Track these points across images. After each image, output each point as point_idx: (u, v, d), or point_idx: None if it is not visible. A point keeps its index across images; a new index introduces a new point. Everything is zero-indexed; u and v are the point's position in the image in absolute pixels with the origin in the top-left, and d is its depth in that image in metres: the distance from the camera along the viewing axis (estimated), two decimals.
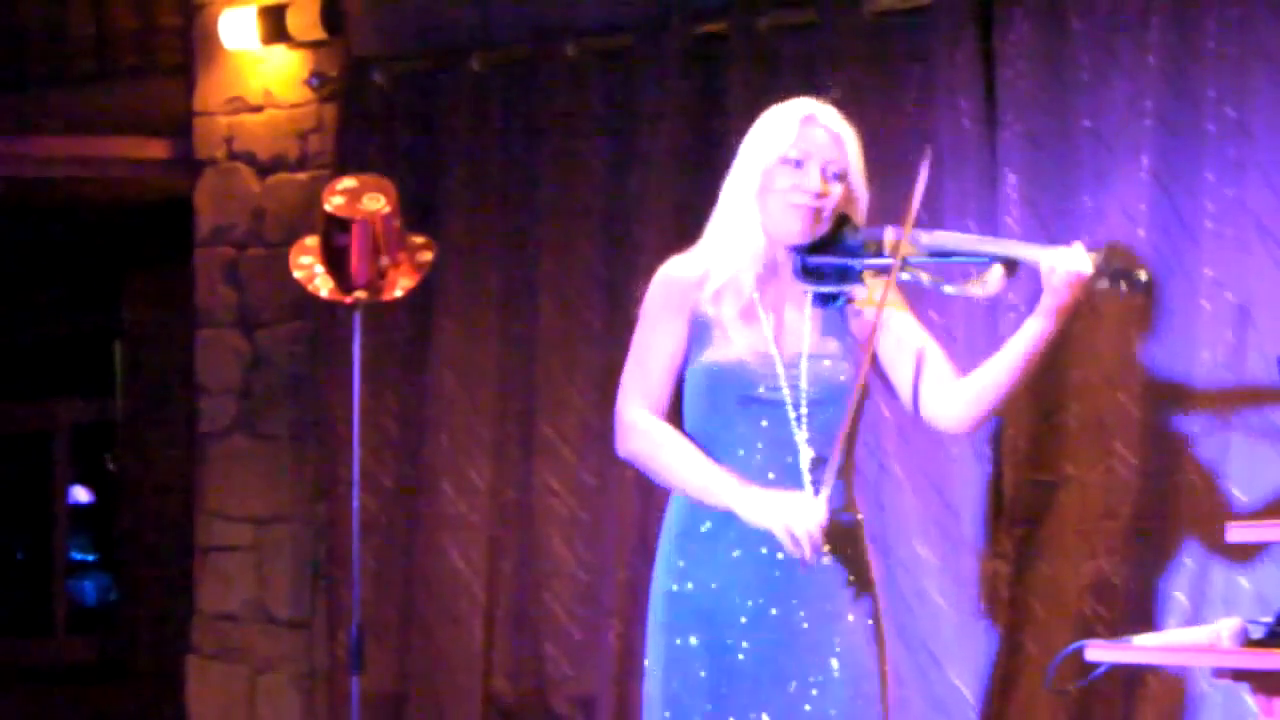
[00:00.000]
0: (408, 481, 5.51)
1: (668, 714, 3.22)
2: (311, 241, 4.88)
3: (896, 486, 4.68)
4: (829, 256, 3.25)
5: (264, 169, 6.02)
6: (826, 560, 3.21)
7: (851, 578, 3.23)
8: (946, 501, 4.63)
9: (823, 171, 3.24)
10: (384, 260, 4.76)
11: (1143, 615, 4.34)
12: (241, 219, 6.06)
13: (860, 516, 3.32)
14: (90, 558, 9.31)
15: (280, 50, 5.95)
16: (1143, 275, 3.11)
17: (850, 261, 3.25)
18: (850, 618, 3.22)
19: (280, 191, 5.99)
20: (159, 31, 6.49)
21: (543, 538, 5.27)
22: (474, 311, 5.42)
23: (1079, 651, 3.56)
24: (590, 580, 5.19)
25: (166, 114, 6.28)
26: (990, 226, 4.52)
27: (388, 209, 4.73)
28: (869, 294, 3.26)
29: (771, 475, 3.20)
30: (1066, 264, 3.10)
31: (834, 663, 3.19)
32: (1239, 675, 3.55)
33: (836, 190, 3.25)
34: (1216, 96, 4.34)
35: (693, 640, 3.21)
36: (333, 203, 4.75)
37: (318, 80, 5.86)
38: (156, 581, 7.72)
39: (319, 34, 5.82)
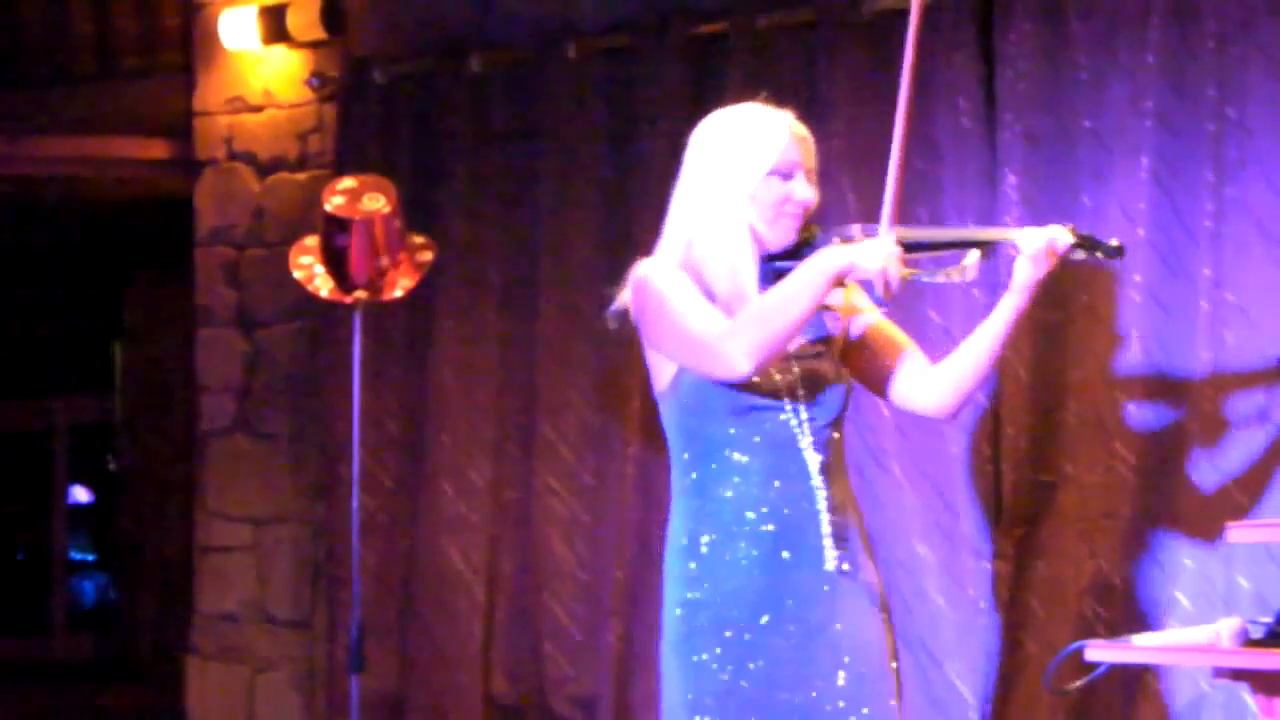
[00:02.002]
0: (408, 481, 5.51)
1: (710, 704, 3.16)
2: (311, 241, 4.88)
3: (896, 486, 4.68)
4: (795, 261, 3.24)
5: (264, 169, 6.02)
6: (831, 566, 3.20)
7: (864, 577, 3.23)
8: (946, 501, 4.63)
9: (808, 179, 3.27)
10: (384, 260, 4.76)
11: (1143, 615, 4.34)
12: (242, 219, 6.07)
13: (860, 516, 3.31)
14: (90, 557, 9.31)
15: (280, 50, 5.95)
16: (1114, 241, 3.14)
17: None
18: (864, 619, 3.21)
19: (280, 191, 5.99)
20: (159, 31, 6.50)
21: (542, 538, 5.27)
22: (474, 311, 5.43)
23: (1079, 651, 3.57)
24: (590, 580, 5.19)
25: (167, 114, 6.29)
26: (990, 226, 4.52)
27: (388, 209, 4.73)
28: (846, 294, 3.27)
29: (778, 483, 3.20)
30: (1042, 237, 3.13)
31: (847, 666, 3.18)
32: (1239, 675, 3.54)
33: (815, 195, 3.28)
34: (1216, 96, 4.34)
35: (716, 649, 3.17)
36: (333, 203, 4.75)
37: (318, 80, 5.86)
38: (156, 581, 7.72)
39: (319, 34, 5.82)
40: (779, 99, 3.45)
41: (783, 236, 3.25)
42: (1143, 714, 4.35)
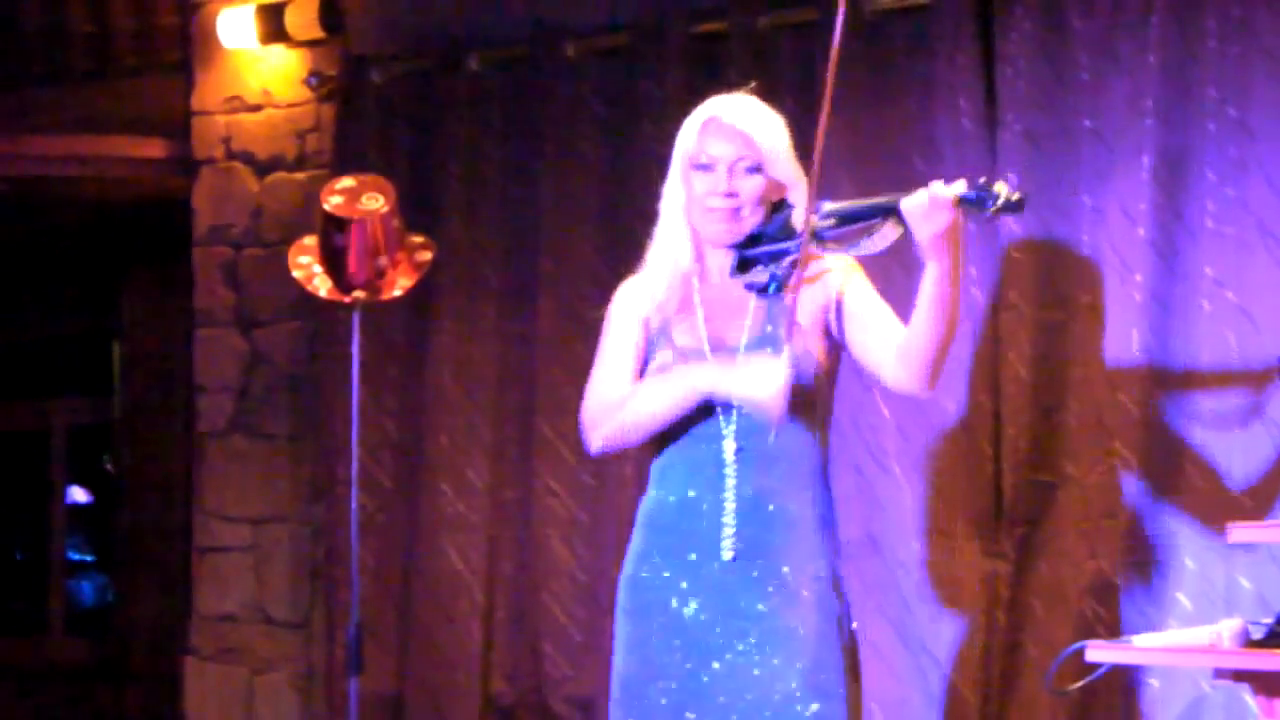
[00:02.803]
0: (406, 481, 5.50)
1: (619, 695, 3.45)
2: (310, 241, 4.87)
3: (896, 486, 4.67)
4: (760, 247, 3.34)
5: (262, 168, 6.01)
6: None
7: (806, 585, 3.28)
8: (947, 501, 4.63)
9: (731, 170, 3.28)
10: (383, 260, 4.75)
11: (1142, 615, 4.34)
12: (240, 218, 6.06)
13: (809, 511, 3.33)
14: (88, 558, 9.29)
15: (279, 49, 5.95)
16: (1010, 193, 3.07)
17: (774, 248, 3.32)
18: (802, 628, 3.26)
19: (279, 191, 5.98)
20: (157, 30, 6.49)
21: (541, 538, 5.26)
22: (473, 311, 5.42)
23: (1079, 652, 3.56)
24: (589, 580, 5.19)
25: (164, 113, 6.28)
26: (990, 225, 4.52)
27: (386, 208, 4.72)
28: (806, 274, 3.30)
29: (696, 469, 3.31)
30: (923, 194, 3.12)
31: (791, 679, 3.23)
32: (1239, 676, 3.54)
33: (750, 185, 3.32)
34: (1217, 95, 4.34)
35: (646, 626, 3.38)
36: (331, 202, 4.74)
37: (316, 79, 5.86)
38: (154, 582, 7.70)
39: (317, 33, 5.81)
40: (779, 99, 3.45)
41: (713, 228, 3.34)
42: (1143, 715, 4.35)
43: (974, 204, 3.09)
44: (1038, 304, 4.54)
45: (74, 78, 6.64)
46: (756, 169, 3.32)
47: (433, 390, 5.45)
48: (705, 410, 3.30)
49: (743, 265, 3.36)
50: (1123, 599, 4.40)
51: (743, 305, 3.36)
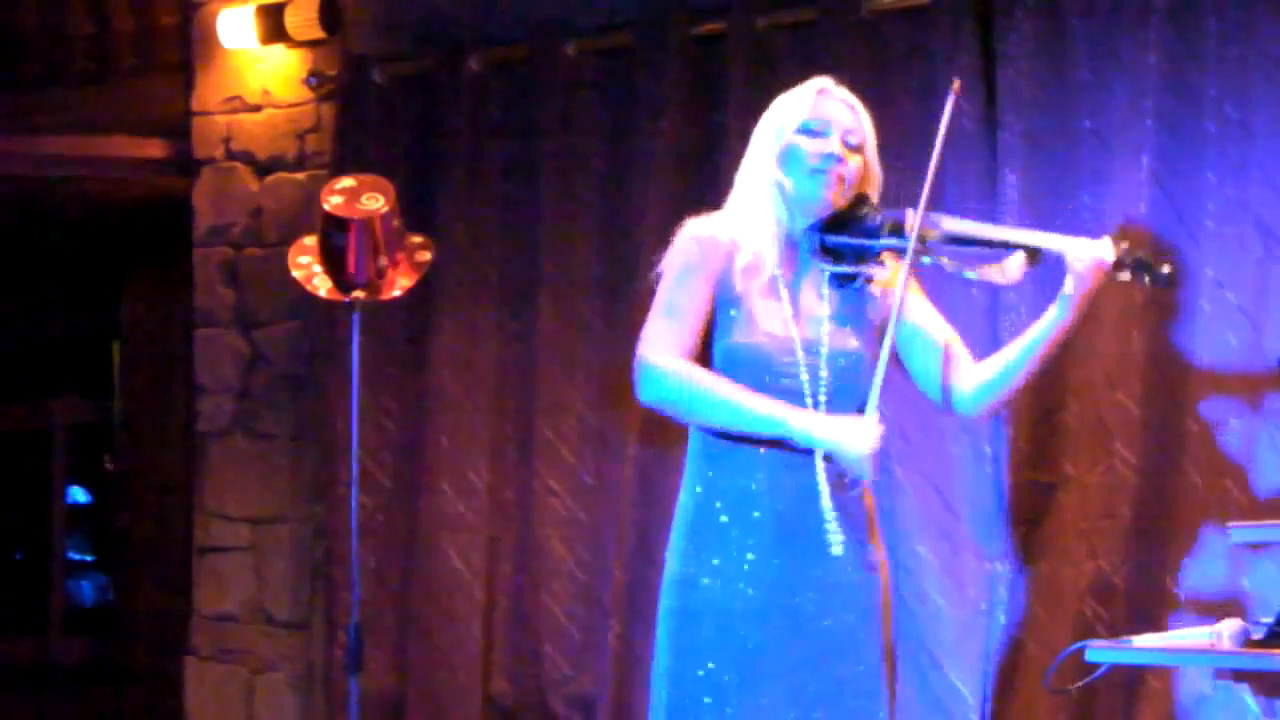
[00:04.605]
0: (407, 482, 5.50)
1: (669, 693, 3.21)
2: (310, 241, 4.87)
3: (896, 486, 4.67)
4: (847, 236, 3.23)
5: (262, 168, 6.01)
6: (838, 550, 3.20)
7: (862, 570, 3.23)
8: (946, 501, 4.63)
9: (843, 140, 3.25)
10: (382, 260, 4.74)
11: (1143, 615, 4.34)
12: (240, 218, 6.06)
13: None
14: (88, 558, 9.29)
15: (278, 50, 5.94)
16: (1165, 269, 3.12)
17: (869, 242, 3.22)
18: (856, 613, 3.21)
19: (279, 191, 5.98)
20: (157, 31, 6.49)
21: (542, 538, 5.26)
22: (473, 311, 5.42)
23: (1080, 652, 3.56)
24: (589, 580, 5.19)
25: (164, 113, 6.28)
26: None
27: (386, 208, 4.72)
28: (890, 276, 3.24)
29: (784, 468, 3.19)
30: (1090, 252, 3.12)
31: (843, 658, 3.18)
32: (1240, 676, 3.54)
33: (856, 160, 3.26)
34: (1217, 96, 4.34)
35: (702, 631, 3.20)
36: (331, 202, 4.74)
37: (316, 80, 5.85)
38: (154, 582, 7.70)
39: (317, 33, 5.81)
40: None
41: (816, 194, 3.23)
42: (1143, 715, 4.35)
43: (1134, 271, 3.10)
44: (1037, 304, 4.53)
45: (74, 78, 6.64)
46: (859, 147, 3.27)
47: (432, 390, 5.45)
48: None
49: (825, 249, 3.24)
50: (1123, 599, 4.40)
51: (816, 289, 3.26)
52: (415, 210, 5.18)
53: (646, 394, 3.19)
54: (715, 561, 3.20)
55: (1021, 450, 4.53)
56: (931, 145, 4.68)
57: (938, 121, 4.67)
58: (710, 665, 3.18)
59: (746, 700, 3.16)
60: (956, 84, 3.25)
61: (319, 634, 5.75)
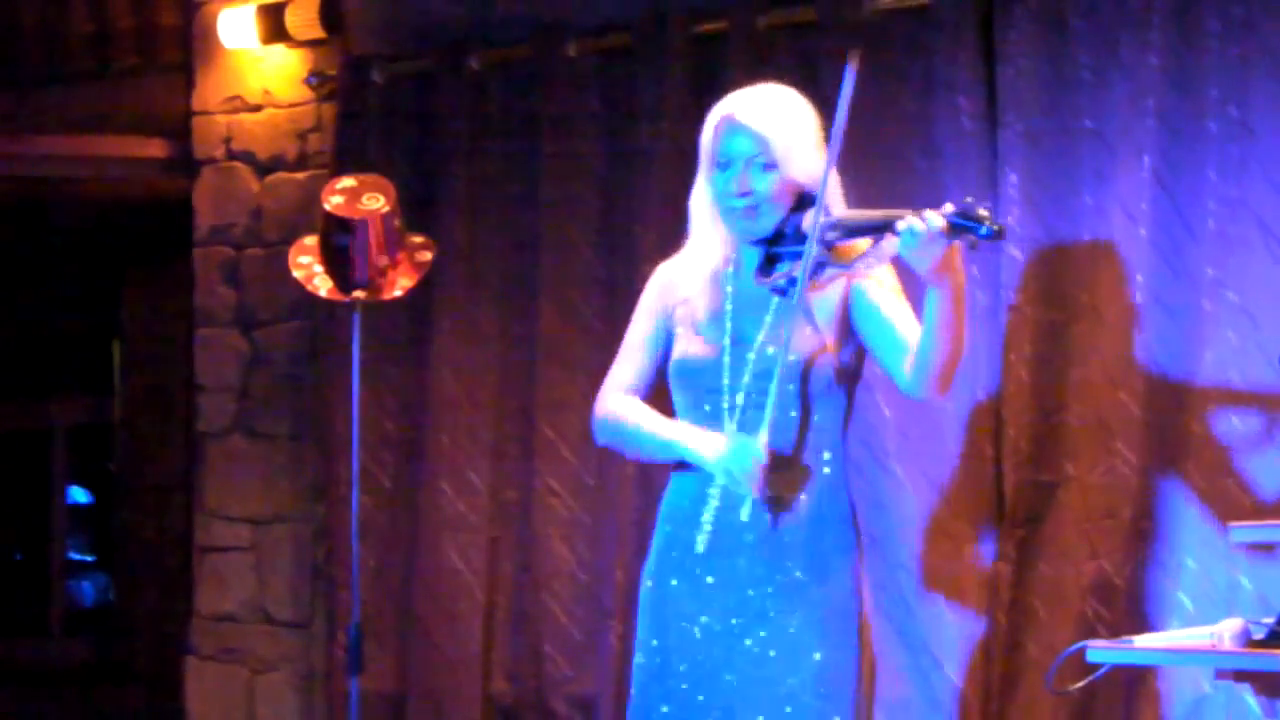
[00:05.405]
0: (407, 482, 5.50)
1: (634, 692, 3.43)
2: (311, 241, 4.86)
3: (896, 486, 4.67)
4: (784, 246, 3.35)
5: (263, 168, 6.01)
6: (700, 548, 3.35)
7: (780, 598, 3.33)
8: (947, 502, 4.62)
9: (747, 168, 3.29)
10: (383, 260, 4.74)
11: (1143, 615, 4.33)
12: (240, 218, 6.06)
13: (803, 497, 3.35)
14: (88, 558, 9.29)
15: (279, 49, 5.94)
16: (992, 223, 3.10)
17: (795, 248, 3.32)
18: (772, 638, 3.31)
19: (279, 191, 5.98)
20: (157, 30, 6.48)
21: (542, 538, 5.26)
22: (474, 311, 5.42)
23: (1080, 652, 3.56)
24: (590, 581, 5.19)
25: (165, 113, 6.28)
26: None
27: (387, 208, 4.72)
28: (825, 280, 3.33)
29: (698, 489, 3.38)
30: (921, 226, 3.12)
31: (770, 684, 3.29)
32: (1240, 676, 3.54)
33: (766, 182, 3.32)
34: (1218, 95, 4.34)
35: (653, 641, 3.39)
36: (332, 202, 4.73)
37: (316, 79, 5.85)
38: (155, 582, 7.69)
39: (318, 33, 5.81)
40: None
41: (733, 226, 3.37)
42: (1144, 715, 4.34)
43: (964, 230, 3.10)
44: (1039, 304, 4.54)
45: (74, 78, 6.63)
46: (773, 166, 3.31)
47: (433, 390, 5.45)
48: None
49: (769, 261, 3.36)
50: (1124, 599, 4.40)
51: (766, 302, 3.38)
52: (416, 210, 5.18)
53: (599, 440, 3.54)
54: (649, 574, 3.47)
55: (1022, 450, 4.53)
56: (932, 145, 4.73)
57: (938, 121, 4.72)
58: (657, 660, 3.39)
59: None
60: (853, 55, 3.25)
61: (319, 634, 5.75)
